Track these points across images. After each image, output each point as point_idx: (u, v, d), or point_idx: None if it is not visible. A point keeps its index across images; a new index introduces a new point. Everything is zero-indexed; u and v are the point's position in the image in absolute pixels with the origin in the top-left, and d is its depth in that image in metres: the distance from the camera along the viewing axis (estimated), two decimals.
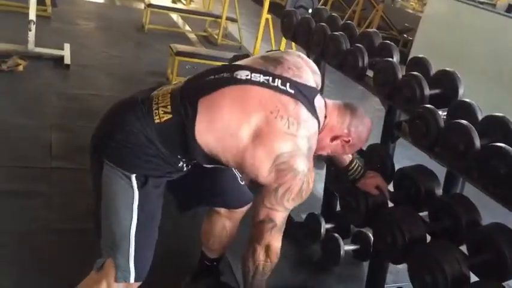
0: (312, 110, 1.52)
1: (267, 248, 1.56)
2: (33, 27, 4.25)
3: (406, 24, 8.57)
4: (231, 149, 1.46)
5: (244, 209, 1.90)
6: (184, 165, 1.57)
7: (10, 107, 3.38)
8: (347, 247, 2.37)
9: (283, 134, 1.43)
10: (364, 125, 1.69)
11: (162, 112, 1.46)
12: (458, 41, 5.49)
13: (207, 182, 1.77)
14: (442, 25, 5.87)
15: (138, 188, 1.46)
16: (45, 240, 2.21)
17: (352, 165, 1.93)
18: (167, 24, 6.66)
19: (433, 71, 2.32)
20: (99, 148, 1.52)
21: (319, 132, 1.59)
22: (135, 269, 1.49)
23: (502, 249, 1.59)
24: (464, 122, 1.82)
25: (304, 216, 2.63)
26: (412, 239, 1.71)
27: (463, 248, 1.75)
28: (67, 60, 4.35)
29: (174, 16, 7.23)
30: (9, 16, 5.16)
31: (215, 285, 2.04)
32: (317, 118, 1.55)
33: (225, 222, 1.92)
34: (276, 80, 1.49)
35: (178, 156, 1.52)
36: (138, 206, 1.46)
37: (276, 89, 1.47)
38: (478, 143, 1.76)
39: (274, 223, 1.53)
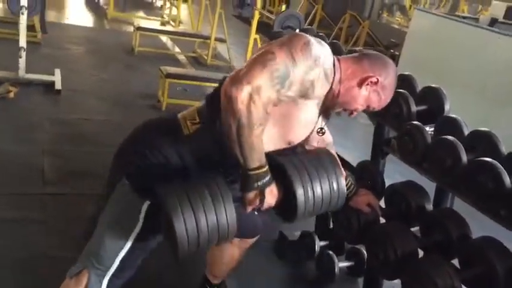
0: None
1: (251, 88, 1.24)
2: (23, 54, 4.28)
3: (392, 40, 8.70)
4: None
5: (255, 239, 1.92)
6: None
7: (2, 134, 3.39)
8: (341, 264, 2.39)
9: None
10: (387, 62, 1.57)
11: (190, 124, 1.45)
12: (443, 56, 5.58)
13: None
14: (427, 40, 5.97)
15: (143, 219, 1.45)
16: (43, 266, 2.21)
17: (346, 182, 1.95)
18: (157, 46, 6.72)
19: (421, 85, 2.35)
20: (123, 163, 1.50)
21: (340, 83, 1.49)
22: (107, 285, 1.51)
23: (492, 262, 1.62)
24: (450, 137, 1.87)
25: (298, 234, 2.65)
26: (404, 255, 1.73)
27: (456, 262, 1.79)
28: (58, 85, 4.38)
29: (164, 38, 7.30)
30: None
31: None
32: (328, 52, 1.44)
33: (235, 250, 1.93)
34: None
35: (216, 168, 1.45)
36: (136, 236, 1.47)
37: None
38: (464, 158, 1.81)
39: (274, 58, 1.29)
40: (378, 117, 2.34)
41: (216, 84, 1.51)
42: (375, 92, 1.53)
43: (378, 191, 2.14)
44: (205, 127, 1.44)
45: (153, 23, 8.31)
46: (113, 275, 1.51)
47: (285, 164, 1.41)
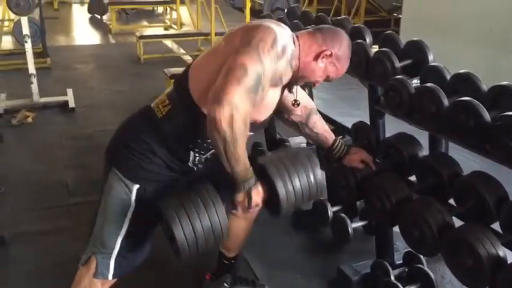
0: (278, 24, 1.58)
1: (230, 107, 1.34)
2: (34, 79, 4.51)
3: (393, 3, 8.64)
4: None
5: (257, 209, 2.03)
6: (196, 159, 1.64)
7: (26, 157, 3.62)
8: (355, 224, 2.47)
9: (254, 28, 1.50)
10: (339, 34, 1.70)
11: (162, 107, 1.60)
12: (444, 7, 5.54)
13: (221, 188, 1.88)
14: None
15: (135, 200, 1.59)
16: (75, 269, 2.35)
17: (336, 144, 2.05)
18: (162, 51, 6.88)
19: (426, 41, 2.31)
20: (111, 156, 1.67)
21: (299, 60, 1.61)
22: (114, 268, 1.64)
23: (482, 194, 1.69)
24: (430, 84, 1.93)
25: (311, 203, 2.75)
26: (399, 202, 1.82)
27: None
28: (71, 104, 4.60)
29: (168, 42, 7.46)
30: (12, 74, 5.44)
31: (234, 281, 2.17)
32: (290, 36, 1.58)
33: (241, 222, 2.04)
34: None
35: (190, 146, 1.60)
36: (131, 216, 1.60)
37: None
38: (446, 101, 1.87)
39: (246, 72, 1.39)
40: (367, 79, 2.41)
41: None
42: (331, 64, 1.67)
43: (374, 148, 2.22)
44: (175, 107, 1.58)
45: (157, 30, 8.49)
46: (118, 256, 1.63)
47: (266, 164, 1.55)
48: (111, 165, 1.64)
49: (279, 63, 1.49)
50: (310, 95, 2.89)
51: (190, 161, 1.64)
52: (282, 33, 1.53)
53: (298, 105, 1.79)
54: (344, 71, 1.74)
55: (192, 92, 1.55)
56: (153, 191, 1.61)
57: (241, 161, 1.45)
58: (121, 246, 1.62)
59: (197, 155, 1.64)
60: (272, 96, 1.62)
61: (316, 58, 1.64)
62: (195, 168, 1.68)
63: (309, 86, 1.75)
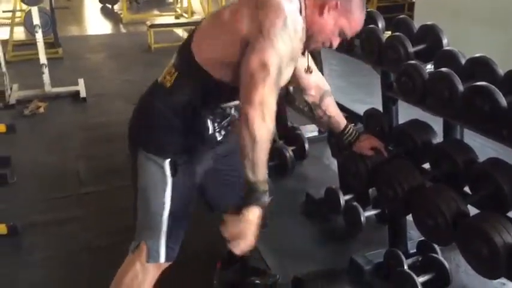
0: None
1: (261, 106, 1.35)
2: (45, 70, 4.52)
3: None
4: (227, 40, 1.48)
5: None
6: (216, 127, 1.61)
7: (38, 147, 3.63)
8: (368, 213, 2.43)
9: None
10: None
11: (169, 76, 1.57)
12: None
13: (232, 182, 1.81)
14: None
15: (171, 175, 1.57)
16: (87, 258, 2.41)
17: (347, 129, 2.01)
18: (173, 40, 6.84)
19: (440, 25, 2.26)
20: (133, 137, 1.67)
21: (305, 15, 1.53)
22: (165, 250, 1.61)
23: (498, 182, 1.64)
24: (444, 69, 1.88)
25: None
26: (411, 190, 1.78)
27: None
28: (83, 93, 4.62)
29: (179, 31, 7.43)
30: (24, 65, 5.46)
31: (245, 270, 2.15)
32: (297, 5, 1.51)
33: None
34: None
35: (203, 113, 1.57)
36: (171, 192, 1.58)
37: None
38: (460, 86, 1.82)
39: (267, 70, 1.37)
40: (379, 65, 2.36)
41: None
42: (340, 17, 1.54)
43: (386, 135, 2.18)
44: (182, 74, 1.56)
45: (168, 18, 8.47)
46: (166, 236, 1.60)
47: None
48: (137, 147, 1.63)
49: (292, 43, 1.43)
50: None
51: (211, 130, 1.60)
52: (291, 9, 1.45)
53: (311, 72, 1.77)
54: (359, 23, 1.58)
55: (197, 58, 1.52)
56: (185, 162, 1.60)
57: (263, 168, 1.40)
58: (168, 226, 1.59)
59: (215, 123, 1.61)
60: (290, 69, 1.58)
61: (321, 12, 1.52)
62: (219, 138, 1.64)
63: (326, 46, 1.66)
